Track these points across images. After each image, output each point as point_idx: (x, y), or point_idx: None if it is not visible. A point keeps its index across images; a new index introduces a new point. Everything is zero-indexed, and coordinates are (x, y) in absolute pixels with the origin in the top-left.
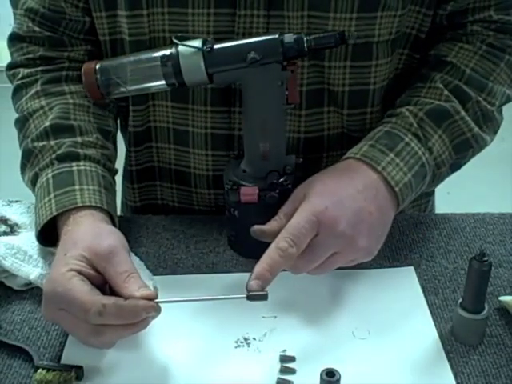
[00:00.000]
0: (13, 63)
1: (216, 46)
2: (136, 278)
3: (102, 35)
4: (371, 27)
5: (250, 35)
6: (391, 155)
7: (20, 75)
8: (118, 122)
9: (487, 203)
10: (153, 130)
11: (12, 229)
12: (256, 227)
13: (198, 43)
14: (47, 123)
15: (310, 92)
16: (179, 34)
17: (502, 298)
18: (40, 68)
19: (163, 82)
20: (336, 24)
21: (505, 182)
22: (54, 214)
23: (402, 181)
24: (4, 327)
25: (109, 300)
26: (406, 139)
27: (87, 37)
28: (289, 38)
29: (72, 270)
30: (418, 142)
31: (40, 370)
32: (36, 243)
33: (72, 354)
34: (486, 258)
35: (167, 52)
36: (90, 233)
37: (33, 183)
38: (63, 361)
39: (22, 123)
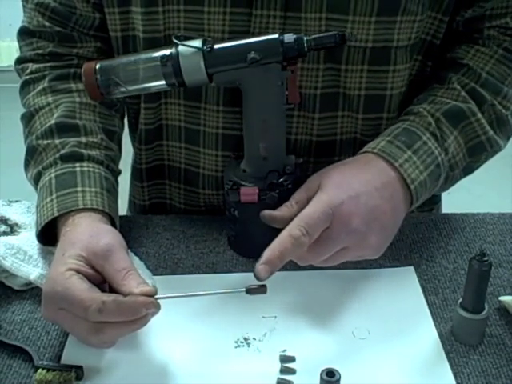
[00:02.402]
0: (22, 57)
1: (216, 46)
2: (134, 274)
3: (113, 31)
4: (390, 31)
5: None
6: (409, 152)
7: (28, 70)
8: (127, 120)
9: (487, 203)
10: (164, 128)
11: (12, 229)
12: (266, 212)
13: (198, 43)
14: (53, 121)
15: (325, 95)
16: (179, 34)
17: (501, 298)
18: (49, 64)
19: (163, 82)
20: (354, 27)
21: (505, 182)
22: (56, 215)
23: (418, 179)
24: (4, 327)
25: (108, 297)
26: (424, 138)
27: (97, 33)
28: (289, 38)
29: (70, 269)
30: (435, 141)
31: (40, 370)
32: (36, 243)
33: (72, 354)
34: (486, 258)
35: (167, 52)
36: (88, 232)
37: (35, 181)
38: (63, 361)
39: (27, 119)
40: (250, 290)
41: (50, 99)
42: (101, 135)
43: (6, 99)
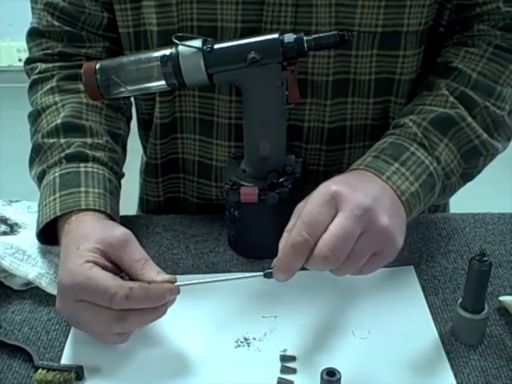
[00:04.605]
0: (31, 58)
1: (216, 46)
2: (152, 264)
3: (125, 27)
4: (400, 16)
5: (278, 24)
6: (396, 165)
7: (37, 70)
8: (137, 118)
9: (487, 203)
10: (178, 120)
11: (12, 228)
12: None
13: (198, 43)
14: (59, 120)
15: (336, 82)
16: (179, 34)
17: (502, 298)
18: (58, 64)
19: (163, 82)
20: (364, 12)
21: (505, 182)
22: (58, 214)
23: (409, 190)
24: (4, 327)
25: (134, 284)
26: (412, 149)
27: (105, 33)
28: (289, 38)
29: (88, 261)
30: (424, 151)
31: (40, 370)
32: (35, 243)
33: (72, 354)
34: (485, 258)
35: (167, 52)
36: (99, 226)
37: (39, 179)
38: (63, 361)
39: (34, 117)
40: (267, 274)
41: (58, 98)
42: (106, 137)
43: (5, 99)
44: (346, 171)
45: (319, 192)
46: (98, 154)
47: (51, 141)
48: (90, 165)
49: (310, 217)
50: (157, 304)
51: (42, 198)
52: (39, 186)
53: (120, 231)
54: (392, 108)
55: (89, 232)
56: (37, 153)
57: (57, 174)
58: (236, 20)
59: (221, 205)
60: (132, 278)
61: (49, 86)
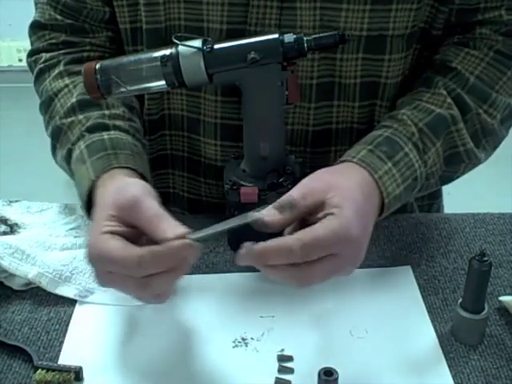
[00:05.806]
0: (34, 50)
1: (216, 46)
2: (165, 220)
3: (122, 23)
4: (385, 20)
5: (263, 26)
6: (389, 164)
7: (42, 59)
8: None
9: (487, 203)
10: (167, 117)
11: (12, 228)
12: (258, 220)
13: (198, 43)
14: (74, 99)
15: (320, 85)
16: (179, 34)
17: (502, 298)
18: (62, 51)
19: (163, 82)
20: (349, 16)
21: (505, 182)
22: (93, 178)
23: (393, 193)
24: (4, 327)
25: (143, 250)
26: (406, 149)
27: (108, 25)
28: (289, 38)
29: (105, 232)
30: (416, 153)
31: (39, 370)
32: (34, 242)
33: (70, 355)
34: (486, 258)
35: (167, 52)
36: (114, 189)
37: (67, 160)
38: (61, 361)
39: (47, 104)
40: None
41: (68, 81)
42: (122, 108)
43: (5, 99)
44: (339, 161)
45: (333, 225)
46: (118, 122)
47: (69, 120)
48: (112, 132)
49: (316, 242)
50: (171, 265)
51: (76, 175)
52: (68, 168)
53: (130, 192)
54: (377, 111)
55: (106, 197)
56: (57, 137)
57: (82, 147)
58: (221, 21)
59: (210, 202)
60: (150, 238)
61: (57, 71)
